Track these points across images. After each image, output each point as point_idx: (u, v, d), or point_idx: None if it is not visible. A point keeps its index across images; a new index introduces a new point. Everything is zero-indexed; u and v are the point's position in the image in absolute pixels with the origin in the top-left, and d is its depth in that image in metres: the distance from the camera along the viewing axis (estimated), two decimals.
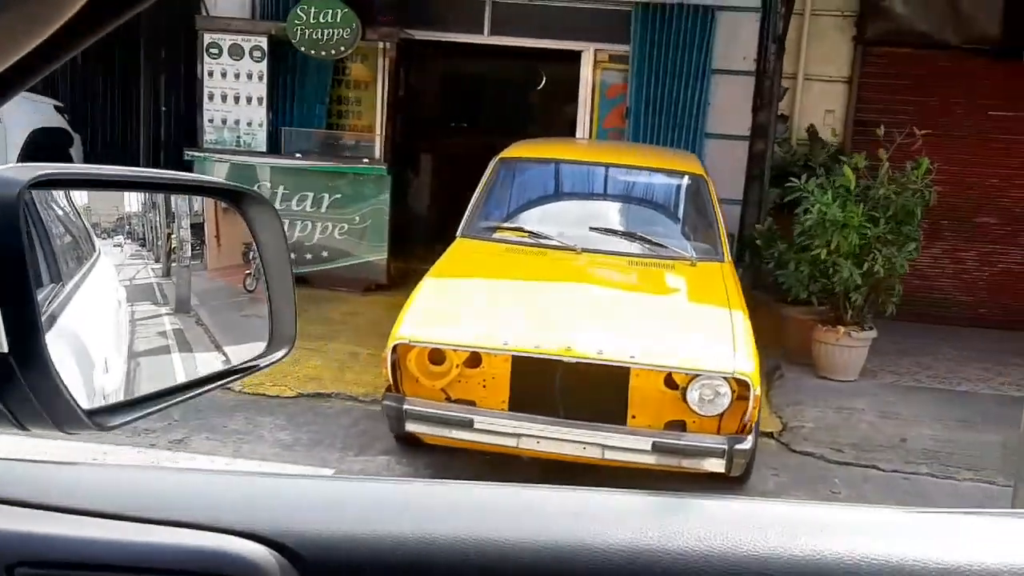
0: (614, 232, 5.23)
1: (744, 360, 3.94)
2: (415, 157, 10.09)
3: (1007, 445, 5.30)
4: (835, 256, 5.42)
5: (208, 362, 1.07)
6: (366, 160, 8.05)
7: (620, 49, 8.62)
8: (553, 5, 8.52)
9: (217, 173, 7.86)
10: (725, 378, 3.92)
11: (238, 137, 8.07)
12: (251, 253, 1.08)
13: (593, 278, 4.76)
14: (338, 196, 7.98)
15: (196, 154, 8.03)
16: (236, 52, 7.96)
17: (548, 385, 4.07)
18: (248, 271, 1.12)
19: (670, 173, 5.66)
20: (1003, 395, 6.17)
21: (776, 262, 6.01)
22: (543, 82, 11.91)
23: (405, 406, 4.05)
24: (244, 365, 1.07)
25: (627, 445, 3.95)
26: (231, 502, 0.99)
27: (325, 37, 7.79)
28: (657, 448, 3.92)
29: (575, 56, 8.82)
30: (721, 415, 3.99)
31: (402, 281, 8.53)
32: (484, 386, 4.17)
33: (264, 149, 8.08)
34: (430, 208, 10.22)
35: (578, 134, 8.87)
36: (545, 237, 5.20)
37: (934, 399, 5.87)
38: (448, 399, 4.19)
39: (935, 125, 8.11)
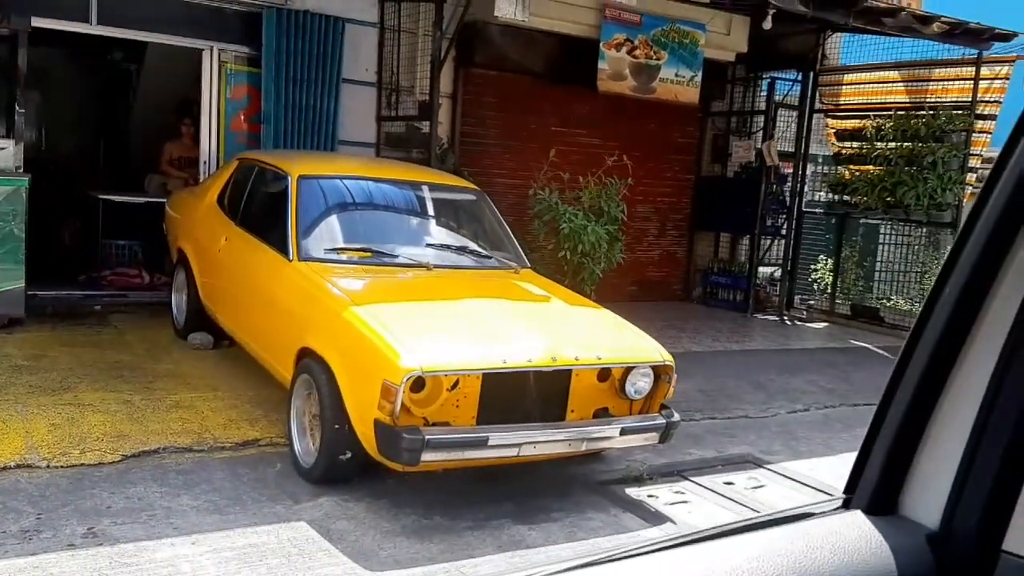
0: (448, 248, 5.59)
1: (663, 348, 4.85)
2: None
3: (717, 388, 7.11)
4: (579, 257, 6.54)
5: None
6: None
7: (245, 51, 8.40)
8: None
9: None
10: (653, 366, 4.78)
11: None
12: None
13: (488, 293, 5.13)
14: None
15: None
16: None
17: (517, 396, 4.44)
18: None
19: (457, 190, 6.13)
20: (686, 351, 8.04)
21: None
22: (140, 80, 10.58)
23: (427, 437, 4.05)
24: None
25: (605, 435, 4.57)
26: None
27: None
28: (624, 432, 4.62)
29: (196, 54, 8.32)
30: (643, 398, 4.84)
31: (43, 311, 7.28)
32: (457, 406, 4.35)
33: None
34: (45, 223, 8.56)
35: (203, 138, 8.41)
36: (392, 256, 5.33)
37: None
38: (426, 423, 4.27)
39: (517, 137, 9.76)
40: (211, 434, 5.12)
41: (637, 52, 9.74)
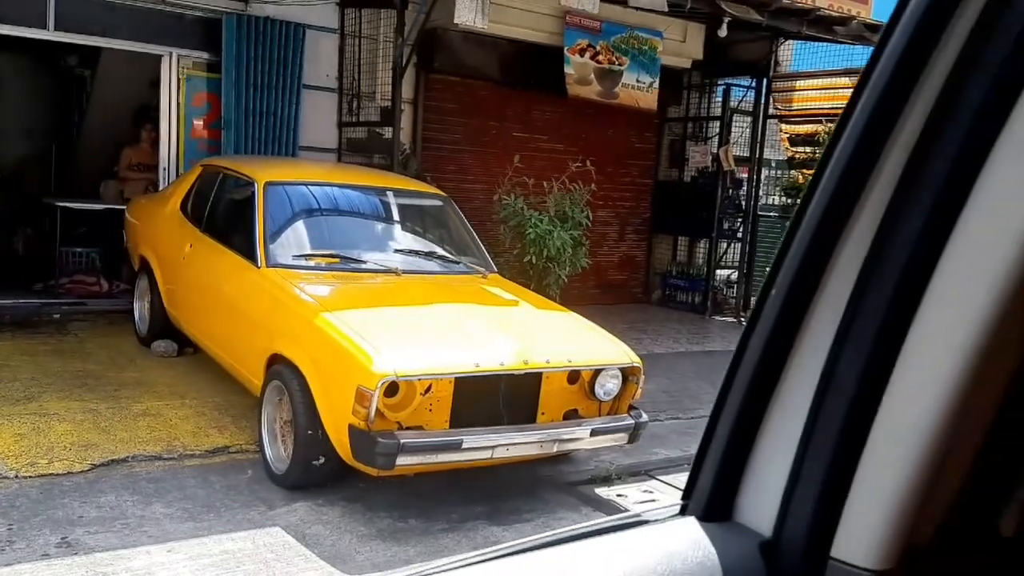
0: (416, 253, 5.64)
1: (630, 350, 4.95)
2: None
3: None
4: (545, 261, 6.63)
5: None
6: None
7: (205, 57, 8.36)
8: (128, 5, 7.83)
9: None
10: (622, 368, 4.87)
11: None
12: None
13: (457, 298, 5.18)
14: None
15: None
16: None
17: (489, 399, 4.50)
18: None
19: (423, 195, 6.18)
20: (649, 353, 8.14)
21: None
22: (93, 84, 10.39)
23: (402, 441, 4.09)
24: None
25: (575, 436, 4.65)
26: None
27: None
28: (594, 432, 4.70)
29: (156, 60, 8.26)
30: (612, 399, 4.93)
31: (14, 324, 7.19)
32: (431, 410, 4.40)
33: None
34: None
35: (163, 144, 8.34)
36: (361, 262, 5.36)
37: None
38: (400, 427, 4.31)
39: (479, 142, 9.83)
40: (180, 442, 5.10)
41: (600, 57, 9.86)
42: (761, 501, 0.90)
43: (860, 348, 0.80)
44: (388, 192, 6.02)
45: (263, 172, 5.73)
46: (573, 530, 0.93)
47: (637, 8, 7.78)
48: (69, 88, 11.77)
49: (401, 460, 4.13)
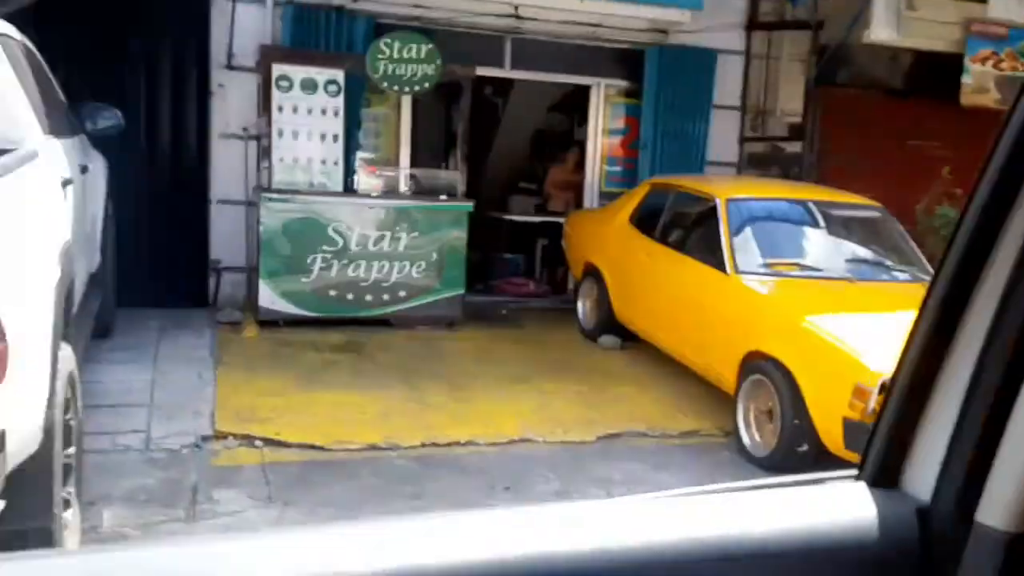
0: (864, 262, 6.11)
1: None
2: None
3: None
4: None
5: None
6: (444, 197, 7.94)
7: (623, 84, 9.35)
8: (566, 43, 8.99)
9: (284, 216, 7.32)
10: None
11: (310, 177, 7.53)
12: None
13: (912, 304, 5.56)
14: (415, 234, 7.80)
15: (266, 195, 7.34)
16: (308, 86, 7.43)
17: None
18: None
19: (861, 207, 6.64)
20: None
21: None
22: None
23: None
24: None
25: None
26: None
27: (409, 73, 7.59)
28: None
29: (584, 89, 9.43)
30: None
31: (475, 317, 8.51)
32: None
33: (340, 189, 7.63)
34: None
35: (588, 164, 9.45)
36: (817, 270, 5.92)
37: None
38: None
39: (870, 152, 9.96)
40: (657, 423, 5.94)
41: (1003, 64, 9.67)
42: (923, 471, 1.00)
43: (1005, 344, 0.93)
44: (829, 204, 6.53)
45: (721, 190, 6.47)
46: (758, 482, 1.11)
47: None
48: (483, 115, 13.38)
49: None
